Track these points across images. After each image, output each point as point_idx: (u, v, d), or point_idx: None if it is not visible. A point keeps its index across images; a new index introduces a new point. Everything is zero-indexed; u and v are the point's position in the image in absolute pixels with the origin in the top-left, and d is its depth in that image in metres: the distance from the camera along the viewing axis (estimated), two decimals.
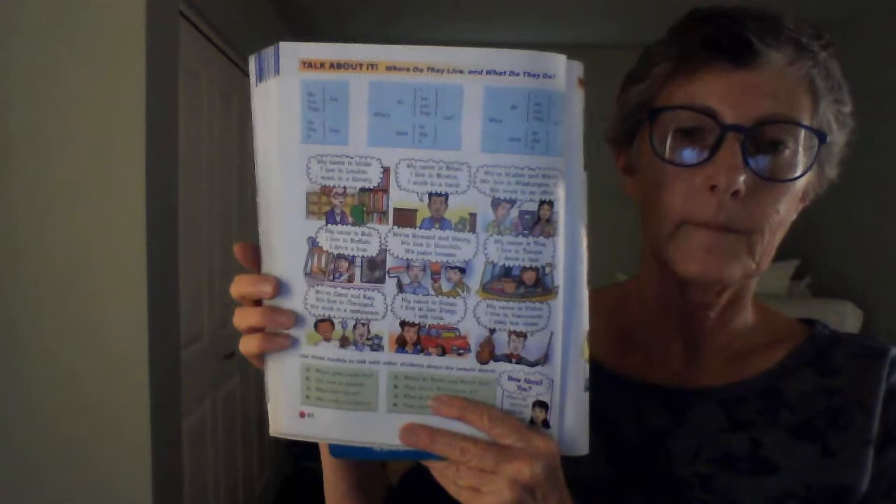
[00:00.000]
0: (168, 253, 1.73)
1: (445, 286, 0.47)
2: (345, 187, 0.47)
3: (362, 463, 0.61)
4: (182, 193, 1.83)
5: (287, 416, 0.50)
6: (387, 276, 0.47)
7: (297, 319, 0.48)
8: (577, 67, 0.46)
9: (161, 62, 1.64)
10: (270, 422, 0.51)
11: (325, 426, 0.49)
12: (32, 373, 1.55)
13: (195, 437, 2.05)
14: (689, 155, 0.57)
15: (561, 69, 0.45)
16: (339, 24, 3.70)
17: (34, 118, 1.51)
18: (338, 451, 0.52)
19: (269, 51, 0.47)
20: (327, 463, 0.59)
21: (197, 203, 2.07)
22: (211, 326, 2.20)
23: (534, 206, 0.46)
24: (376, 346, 0.48)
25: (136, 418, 1.59)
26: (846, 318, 3.11)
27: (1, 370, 1.55)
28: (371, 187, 0.46)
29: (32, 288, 1.54)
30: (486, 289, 0.47)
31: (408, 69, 0.45)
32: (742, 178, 0.54)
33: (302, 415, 0.49)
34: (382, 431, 0.49)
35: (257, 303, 0.49)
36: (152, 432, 1.60)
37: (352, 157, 0.46)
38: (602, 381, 0.50)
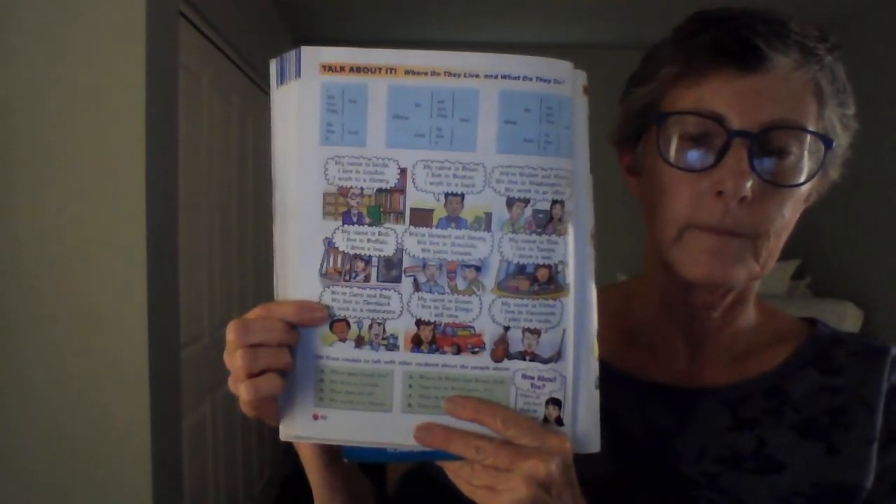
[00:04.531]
0: (168, 253, 1.73)
1: (461, 284, 0.48)
2: (362, 188, 0.48)
3: (354, 476, 0.61)
4: (182, 193, 1.83)
5: (300, 420, 0.50)
6: (403, 276, 0.48)
7: None
8: (582, 76, 0.48)
9: (161, 62, 1.63)
10: (281, 426, 0.50)
11: (339, 427, 0.50)
12: (32, 373, 1.55)
13: (195, 437, 2.04)
14: (696, 159, 0.57)
15: (569, 76, 0.47)
16: (340, 25, 3.70)
17: (34, 118, 1.50)
18: (351, 453, 0.52)
19: (291, 54, 0.48)
20: (316, 479, 0.59)
21: (197, 203, 2.07)
22: (211, 326, 2.20)
23: (546, 206, 0.47)
24: (392, 346, 0.49)
25: (136, 418, 1.58)
26: (846, 318, 3.12)
27: (1, 370, 1.55)
28: (388, 188, 0.48)
29: (32, 288, 1.54)
30: (501, 286, 0.48)
31: (426, 73, 0.47)
32: (749, 184, 0.54)
33: (315, 417, 0.50)
34: (397, 432, 0.49)
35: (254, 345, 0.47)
36: (152, 432, 1.59)
37: (369, 159, 0.48)
38: (608, 380, 0.50)
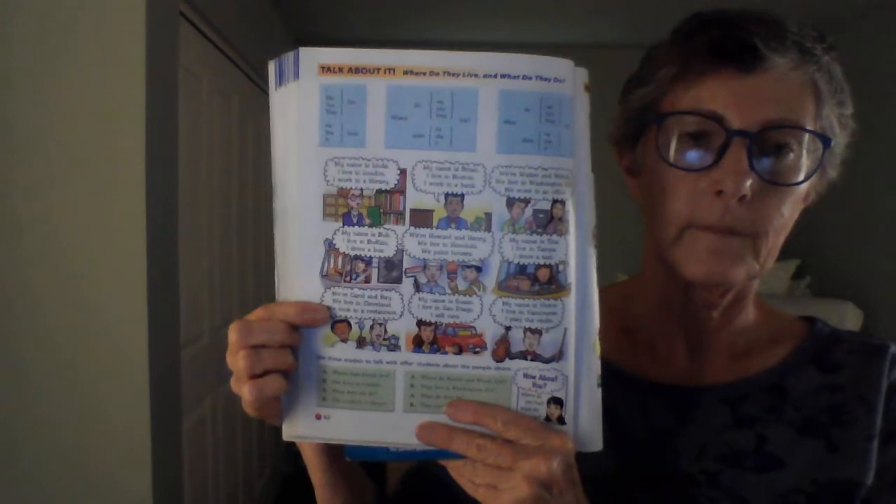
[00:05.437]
0: (168, 253, 1.73)
1: (462, 285, 0.48)
2: (361, 189, 0.48)
3: (355, 475, 0.61)
4: (182, 193, 1.83)
5: (303, 419, 0.50)
6: (404, 276, 0.48)
7: None
8: (583, 73, 0.48)
9: (161, 62, 1.63)
10: (284, 426, 0.50)
11: (342, 427, 0.50)
12: (32, 373, 1.55)
13: (195, 437, 2.05)
14: (695, 159, 0.57)
15: (569, 74, 0.47)
16: (340, 25, 3.70)
17: (34, 118, 1.50)
18: (354, 452, 0.52)
19: (289, 56, 0.48)
20: (318, 479, 0.59)
21: (197, 203, 2.07)
22: (211, 326, 2.20)
23: (547, 205, 0.47)
24: (393, 346, 0.49)
25: (136, 418, 1.58)
26: (846, 318, 3.12)
27: (1, 371, 1.55)
28: (388, 189, 0.47)
29: (32, 288, 1.54)
30: (502, 287, 0.48)
31: (424, 73, 0.47)
32: (748, 183, 0.54)
33: (318, 417, 0.50)
34: (399, 431, 0.49)
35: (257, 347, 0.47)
36: (152, 432, 1.59)
37: (369, 160, 0.47)
38: (608, 379, 0.51)
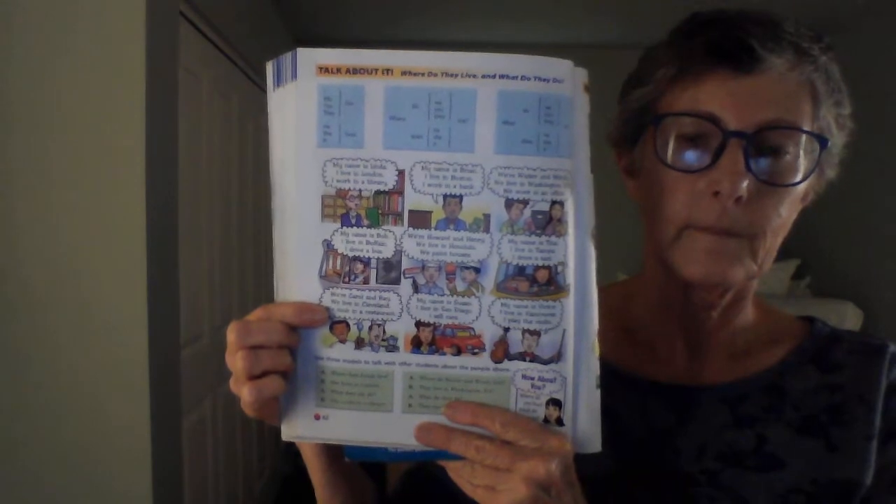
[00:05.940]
0: (168, 253, 1.73)
1: (460, 286, 0.48)
2: (360, 190, 0.48)
3: (355, 475, 0.61)
4: (182, 193, 1.83)
5: (302, 420, 0.50)
6: (402, 277, 0.48)
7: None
8: (582, 74, 0.48)
9: (161, 62, 1.63)
10: (283, 426, 0.50)
11: (341, 428, 0.50)
12: (32, 373, 1.55)
13: (195, 437, 2.05)
14: (692, 160, 0.57)
15: (568, 74, 0.47)
16: (340, 25, 3.70)
17: (34, 118, 1.50)
18: (352, 452, 0.52)
19: (287, 56, 0.48)
20: (318, 478, 0.59)
21: (197, 203, 2.07)
22: (211, 326, 2.20)
23: (546, 206, 0.47)
24: (392, 347, 0.49)
25: (136, 418, 1.58)
26: (846, 318, 3.12)
27: (0, 371, 1.55)
28: (386, 190, 0.47)
29: (32, 288, 1.54)
30: (501, 288, 0.48)
31: (423, 74, 0.47)
32: (745, 184, 0.54)
33: (317, 417, 0.50)
34: (398, 432, 0.49)
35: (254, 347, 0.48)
36: (152, 432, 1.59)
37: (367, 161, 0.47)
38: (608, 379, 0.51)
